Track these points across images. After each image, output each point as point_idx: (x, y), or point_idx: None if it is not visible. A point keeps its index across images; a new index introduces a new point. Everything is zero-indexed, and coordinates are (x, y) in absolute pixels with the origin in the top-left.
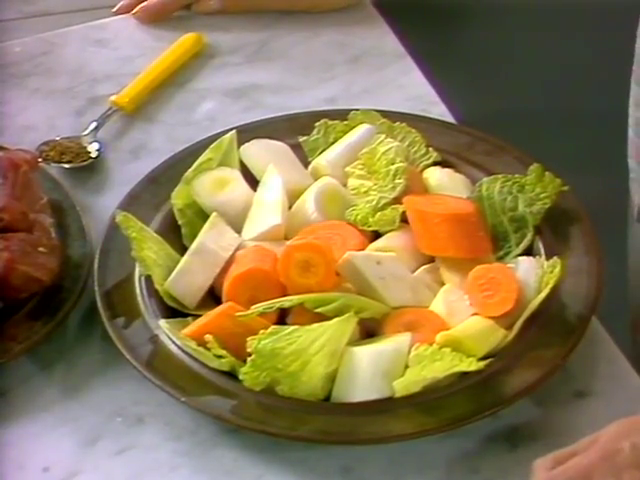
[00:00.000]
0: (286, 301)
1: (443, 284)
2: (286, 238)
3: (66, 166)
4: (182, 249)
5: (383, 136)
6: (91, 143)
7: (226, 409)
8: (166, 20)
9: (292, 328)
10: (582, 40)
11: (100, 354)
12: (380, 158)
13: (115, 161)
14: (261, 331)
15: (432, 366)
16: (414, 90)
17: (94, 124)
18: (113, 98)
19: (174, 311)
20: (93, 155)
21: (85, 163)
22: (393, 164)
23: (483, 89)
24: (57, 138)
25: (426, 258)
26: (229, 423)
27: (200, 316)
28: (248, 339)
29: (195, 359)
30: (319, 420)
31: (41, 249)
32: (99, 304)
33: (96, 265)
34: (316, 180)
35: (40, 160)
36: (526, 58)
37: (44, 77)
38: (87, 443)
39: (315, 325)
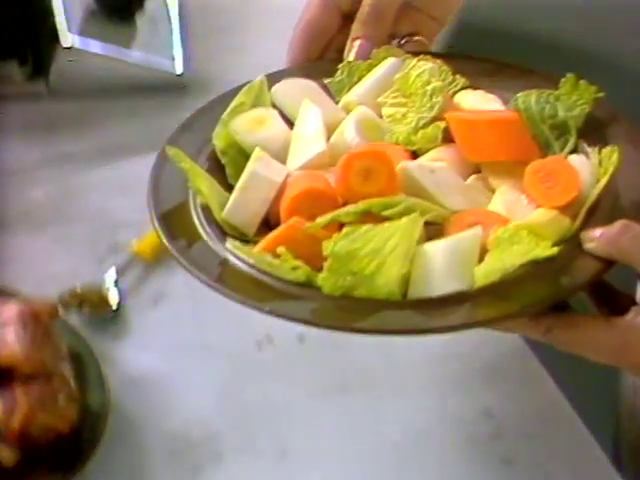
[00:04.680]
0: (352, 208)
1: (494, 191)
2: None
3: (86, 315)
4: (228, 187)
5: (415, 60)
6: (111, 291)
7: (308, 314)
8: None
9: (366, 227)
10: None
11: None
12: (415, 81)
13: (135, 309)
14: (335, 234)
15: (511, 250)
16: None
17: (114, 271)
18: (134, 245)
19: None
20: (113, 306)
21: (105, 315)
22: (429, 84)
23: None
24: (77, 287)
25: (472, 170)
26: (316, 326)
27: (257, 243)
28: (324, 243)
29: (268, 274)
30: (401, 316)
31: (60, 398)
32: (157, 228)
33: (149, 192)
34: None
35: (60, 309)
36: None
37: (65, 224)
38: None
39: (387, 224)
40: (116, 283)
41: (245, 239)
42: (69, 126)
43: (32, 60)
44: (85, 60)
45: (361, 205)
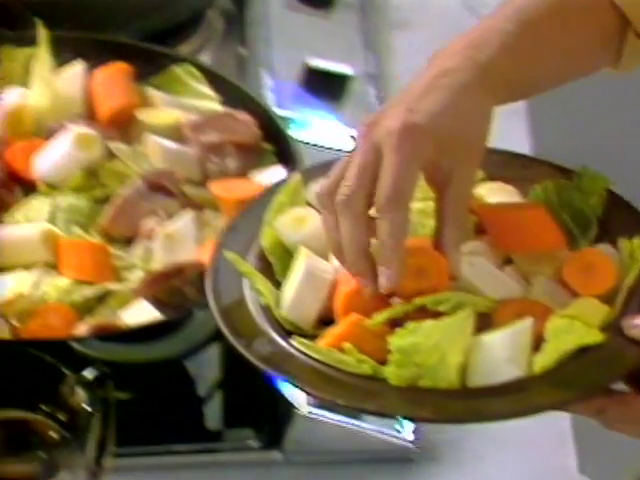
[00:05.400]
0: (408, 305)
1: (527, 280)
2: None
3: None
4: (276, 284)
5: None
6: None
7: (378, 405)
8: None
9: (429, 323)
10: None
11: None
12: None
13: None
14: (397, 330)
15: (565, 338)
16: None
17: None
18: None
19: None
20: None
21: None
22: None
23: None
24: None
25: (504, 259)
26: (385, 416)
27: (314, 337)
28: (388, 338)
29: (334, 368)
30: (462, 404)
31: None
32: (219, 322)
33: (209, 288)
34: None
35: None
36: None
37: None
38: None
39: (445, 319)
40: None
41: (302, 334)
42: None
43: (268, 428)
44: (320, 428)
45: (417, 302)
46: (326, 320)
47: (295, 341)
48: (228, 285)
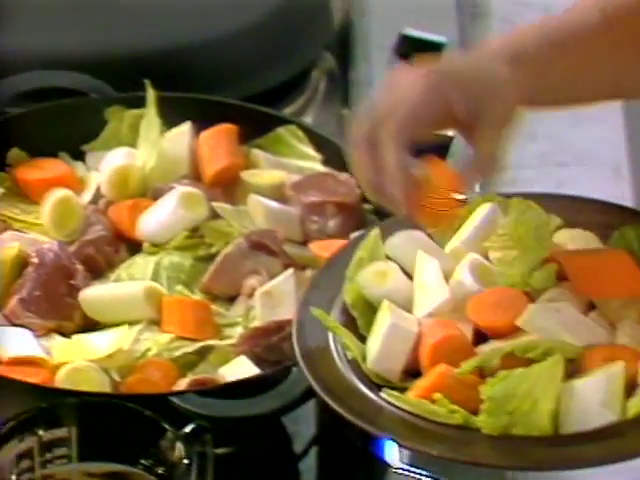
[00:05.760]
0: (497, 351)
1: (613, 325)
2: None
3: None
4: (361, 338)
5: (516, 202)
6: None
7: (471, 455)
8: None
9: (520, 371)
10: None
11: None
12: (519, 224)
13: None
14: (489, 379)
15: None
16: None
17: None
18: None
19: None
20: None
21: None
22: (535, 226)
23: None
24: None
25: (587, 304)
26: (480, 465)
27: (401, 388)
28: (480, 387)
29: (425, 419)
30: (556, 451)
31: None
32: (309, 377)
33: (296, 344)
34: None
35: None
36: None
37: None
38: None
39: (535, 367)
40: None
41: (389, 386)
42: None
43: None
44: None
45: (507, 348)
46: (411, 371)
47: (385, 394)
48: (314, 340)
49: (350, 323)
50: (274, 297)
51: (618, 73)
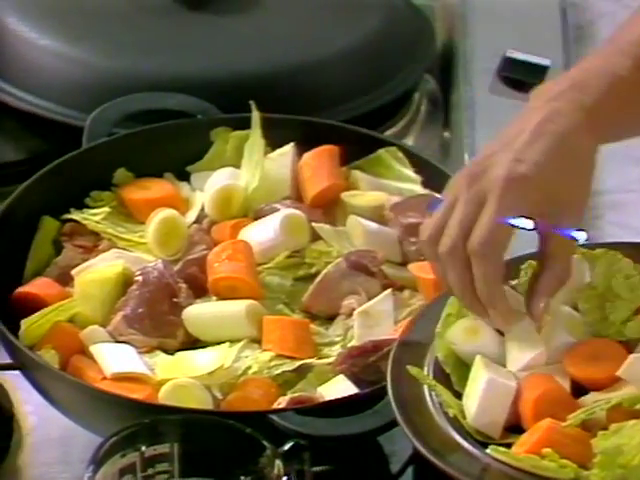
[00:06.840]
0: (604, 403)
1: None
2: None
3: None
4: (455, 394)
5: (608, 255)
6: None
7: None
8: None
9: (632, 423)
10: None
11: None
12: (614, 274)
13: None
14: (601, 432)
15: None
16: None
17: None
18: None
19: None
20: None
21: None
22: (628, 277)
23: None
24: None
25: None
26: None
27: (503, 444)
28: (592, 441)
29: (533, 475)
30: None
31: None
32: (411, 437)
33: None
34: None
35: None
36: None
37: None
38: None
39: None
40: None
41: (490, 442)
42: None
43: None
44: None
45: (614, 401)
46: (509, 426)
47: (492, 450)
48: (410, 396)
49: (444, 379)
50: (372, 317)
51: None
